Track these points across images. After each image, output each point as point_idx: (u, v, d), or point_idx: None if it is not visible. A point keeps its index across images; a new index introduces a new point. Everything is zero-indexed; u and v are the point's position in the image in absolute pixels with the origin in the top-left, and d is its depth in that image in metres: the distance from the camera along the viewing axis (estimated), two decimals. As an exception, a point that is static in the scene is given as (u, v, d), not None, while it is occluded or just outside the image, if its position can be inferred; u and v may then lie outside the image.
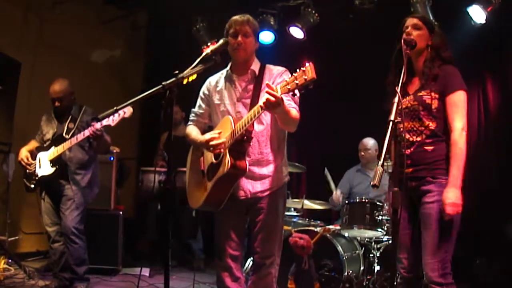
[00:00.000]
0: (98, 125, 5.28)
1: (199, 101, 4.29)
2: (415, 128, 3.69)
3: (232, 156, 3.73)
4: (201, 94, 4.27)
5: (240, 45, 3.91)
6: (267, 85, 3.39)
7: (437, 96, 3.66)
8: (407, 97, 3.73)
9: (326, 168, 6.84)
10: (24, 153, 5.82)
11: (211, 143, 3.78)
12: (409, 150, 3.66)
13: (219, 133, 3.82)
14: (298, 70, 3.22)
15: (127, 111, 4.99)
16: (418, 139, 3.66)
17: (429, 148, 3.64)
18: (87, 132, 5.37)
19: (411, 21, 3.79)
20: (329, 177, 6.84)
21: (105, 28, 9.29)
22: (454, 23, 7.00)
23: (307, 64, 3.16)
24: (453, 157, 3.52)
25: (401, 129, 3.55)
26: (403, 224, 3.67)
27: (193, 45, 8.47)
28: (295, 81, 3.21)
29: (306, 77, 3.15)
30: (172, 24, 9.06)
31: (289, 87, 3.26)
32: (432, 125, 3.66)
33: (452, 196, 3.42)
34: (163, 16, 9.31)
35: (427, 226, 3.53)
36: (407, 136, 3.68)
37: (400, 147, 3.35)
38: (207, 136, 3.85)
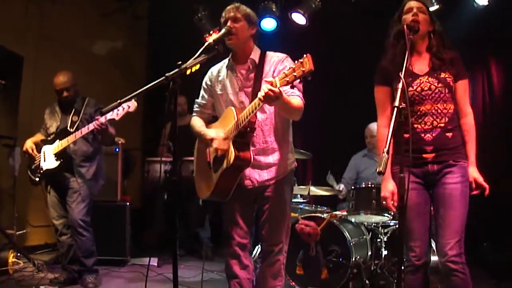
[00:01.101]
0: (102, 119, 5.29)
1: (202, 92, 4.28)
2: (439, 111, 3.67)
3: (236, 148, 3.73)
4: (203, 84, 4.26)
5: (231, 30, 3.89)
6: (265, 81, 3.39)
7: (453, 79, 3.72)
8: (420, 79, 3.72)
9: (329, 172, 6.82)
10: (29, 143, 5.83)
11: (214, 146, 3.81)
12: (430, 136, 3.66)
13: (224, 138, 3.81)
14: (296, 62, 3.22)
15: (132, 105, 5.00)
16: (442, 124, 3.65)
17: (449, 134, 3.66)
18: (91, 126, 5.38)
19: (414, 3, 3.76)
20: (333, 180, 6.81)
21: (106, 20, 9.28)
22: (457, 5, 6.98)
23: (304, 56, 3.16)
24: (472, 139, 3.72)
25: (420, 112, 3.65)
26: (417, 210, 3.67)
27: (195, 34, 8.45)
28: (293, 73, 3.22)
29: (304, 69, 3.16)
30: (173, 13, 9.02)
31: (287, 79, 3.26)
32: (451, 108, 3.70)
33: (478, 174, 3.63)
34: (163, 5, 9.28)
35: (450, 206, 3.57)
36: (430, 119, 3.67)
37: (404, 132, 3.34)
38: (213, 134, 3.86)
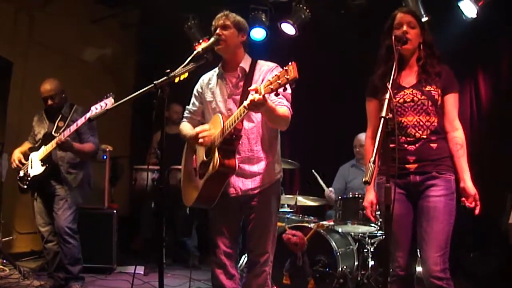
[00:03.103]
0: (65, 133, 5.32)
1: (193, 99, 4.30)
2: (421, 123, 3.66)
3: (221, 155, 3.72)
4: (194, 91, 4.28)
5: (220, 37, 3.91)
6: (250, 89, 3.40)
7: (440, 93, 3.70)
8: (405, 91, 3.72)
9: (313, 170, 6.88)
10: (16, 154, 5.82)
11: (200, 134, 3.80)
12: (413, 147, 3.65)
13: (209, 129, 3.83)
14: (281, 69, 3.22)
15: (109, 103, 5.00)
16: (424, 136, 3.64)
17: (434, 145, 3.64)
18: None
19: (404, 18, 3.73)
20: (318, 177, 6.87)
21: (96, 26, 9.25)
22: (446, 17, 7.02)
23: (290, 63, 3.16)
24: (464, 153, 3.67)
25: (399, 124, 3.59)
26: (400, 222, 3.64)
27: (185, 43, 8.47)
28: (278, 81, 3.21)
29: (288, 77, 3.15)
30: (163, 21, 9.03)
31: (272, 86, 3.25)
32: (435, 121, 3.67)
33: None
34: (154, 13, 9.28)
35: (433, 219, 3.54)
36: (412, 131, 3.67)
37: (391, 143, 3.34)
38: (198, 128, 3.87)
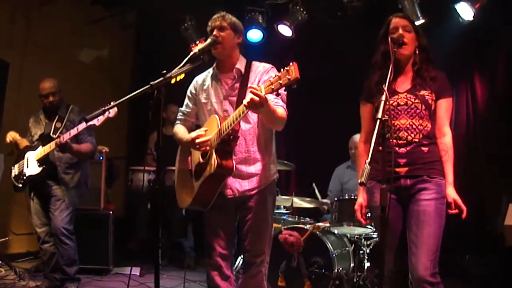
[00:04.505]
0: (65, 136, 5.32)
1: (186, 100, 4.27)
2: (414, 126, 3.65)
3: (219, 156, 3.71)
4: (188, 93, 4.26)
5: (216, 39, 3.90)
6: (250, 86, 3.37)
7: (434, 98, 3.70)
8: (399, 95, 3.71)
9: (313, 184, 6.91)
10: (12, 133, 5.87)
11: (197, 140, 3.76)
12: (404, 149, 3.65)
13: (205, 130, 3.81)
14: (282, 70, 3.21)
15: (112, 111, 4.99)
16: (416, 139, 3.63)
17: (425, 149, 3.64)
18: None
19: (400, 22, 3.75)
20: (317, 191, 6.89)
21: (93, 27, 9.25)
22: (442, 20, 7.03)
23: (291, 64, 3.16)
24: (450, 159, 3.65)
25: (392, 127, 3.58)
26: (391, 226, 3.61)
27: (182, 44, 8.47)
28: (279, 81, 3.19)
29: (289, 77, 3.13)
30: (161, 23, 9.04)
31: (272, 87, 3.23)
32: (428, 126, 3.67)
33: (457, 196, 3.58)
34: (151, 15, 9.29)
35: (424, 223, 3.52)
36: (404, 134, 3.66)
37: (388, 146, 3.34)
38: (193, 134, 3.83)
